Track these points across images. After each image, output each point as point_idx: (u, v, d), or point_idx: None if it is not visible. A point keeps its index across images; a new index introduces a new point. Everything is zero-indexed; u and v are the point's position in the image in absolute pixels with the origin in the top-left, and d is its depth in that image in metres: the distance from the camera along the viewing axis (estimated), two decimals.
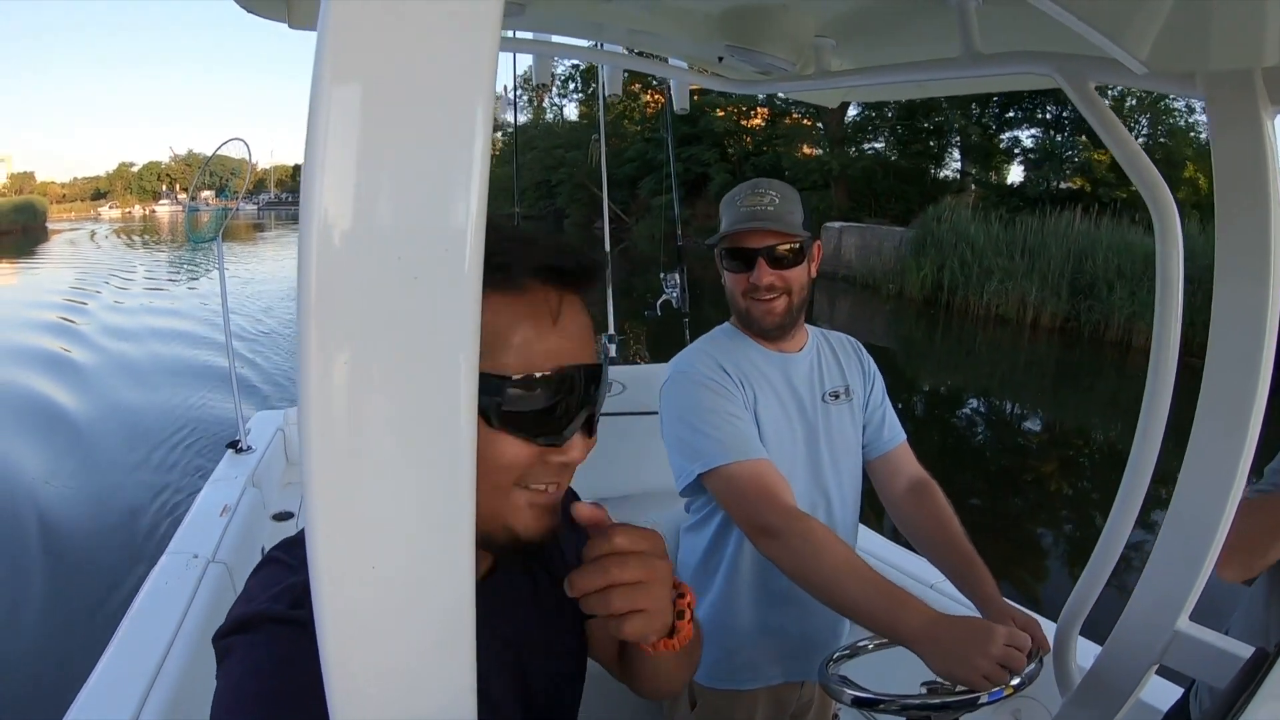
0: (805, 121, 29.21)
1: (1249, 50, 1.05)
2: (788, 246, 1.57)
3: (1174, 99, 19.14)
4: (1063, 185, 21.77)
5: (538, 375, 0.68)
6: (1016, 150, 24.46)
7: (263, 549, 2.86)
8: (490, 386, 0.65)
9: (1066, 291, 15.94)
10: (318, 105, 0.35)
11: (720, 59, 1.67)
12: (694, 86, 2.05)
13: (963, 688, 1.22)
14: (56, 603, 5.03)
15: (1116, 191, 19.85)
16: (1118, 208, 17.97)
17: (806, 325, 1.75)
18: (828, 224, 22.21)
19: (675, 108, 2.36)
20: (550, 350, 0.69)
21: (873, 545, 2.71)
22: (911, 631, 1.28)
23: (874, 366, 1.83)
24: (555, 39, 1.78)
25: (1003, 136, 24.88)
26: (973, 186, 24.39)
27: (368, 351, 0.38)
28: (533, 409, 0.68)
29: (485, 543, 0.70)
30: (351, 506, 0.40)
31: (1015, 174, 24.54)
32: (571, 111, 43.09)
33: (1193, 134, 20.76)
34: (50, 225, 56.53)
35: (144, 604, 2.18)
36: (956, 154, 26.59)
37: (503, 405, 0.66)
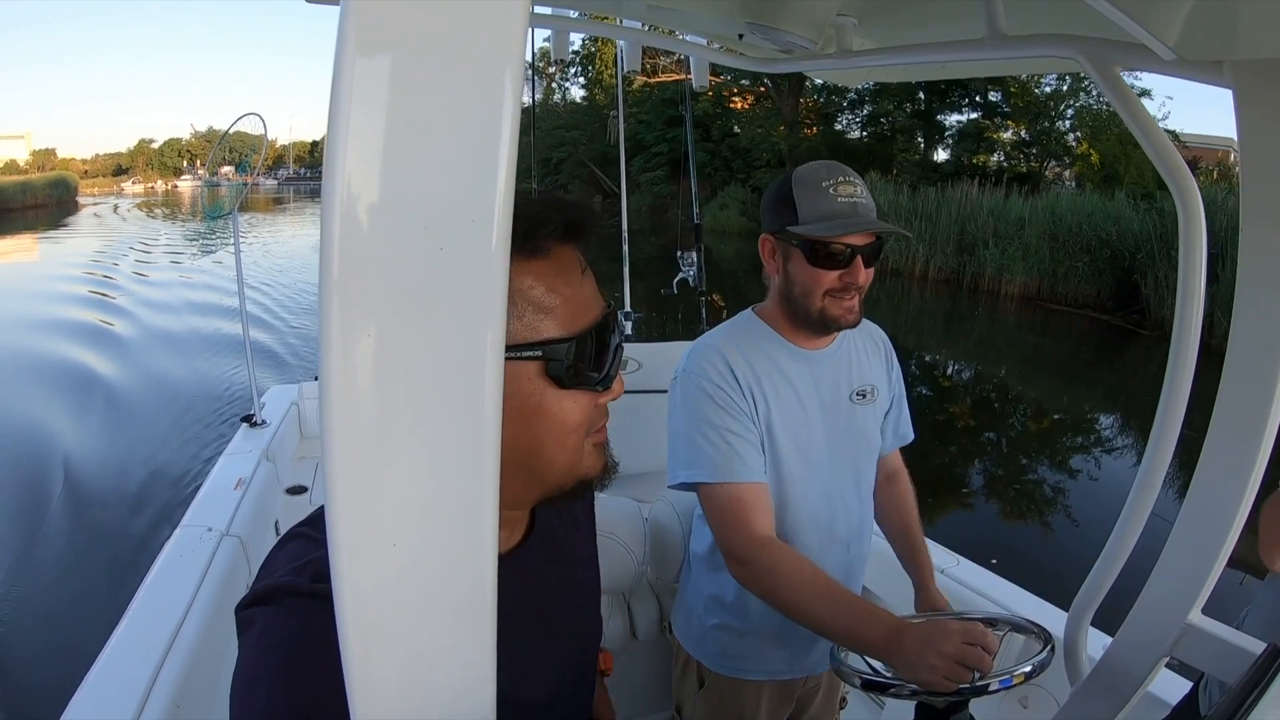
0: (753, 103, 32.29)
1: (1278, 39, 1.03)
2: (880, 243, 1.53)
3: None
4: (973, 161, 24.95)
5: (587, 326, 0.73)
6: (947, 132, 27.40)
7: (276, 523, 2.88)
8: (556, 352, 0.70)
9: (953, 249, 19.40)
10: (341, 75, 0.35)
11: (741, 36, 1.64)
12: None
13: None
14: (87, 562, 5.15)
15: (1019, 167, 24.03)
16: (1008, 179, 21.55)
17: None
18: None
19: (695, 85, 2.34)
20: (586, 300, 0.74)
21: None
22: (876, 642, 1.31)
23: (896, 361, 1.79)
24: (573, 14, 1.76)
25: (938, 119, 27.61)
26: (893, 163, 27.09)
27: (392, 324, 0.38)
28: (589, 360, 0.73)
29: (555, 493, 0.78)
30: (372, 484, 0.40)
31: (942, 154, 27.57)
32: (572, 94, 45.11)
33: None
34: (80, 199, 59.80)
35: (159, 576, 2.20)
36: (901, 136, 29.23)
37: (567, 365, 0.71)
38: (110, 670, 1.77)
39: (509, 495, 0.69)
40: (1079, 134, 23.74)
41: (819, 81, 27.24)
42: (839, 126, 30.97)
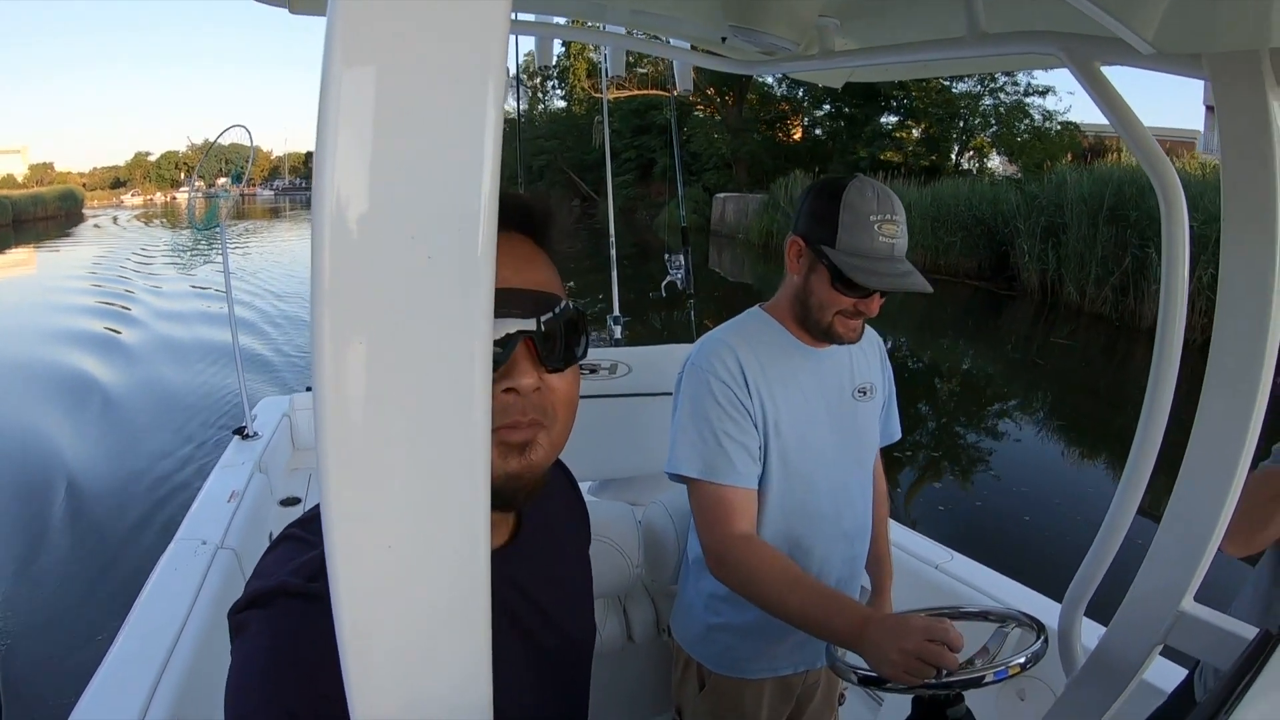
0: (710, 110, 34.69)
1: (1256, 31, 1.04)
2: None
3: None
4: (882, 157, 27.20)
5: None
6: (866, 132, 29.32)
7: (270, 535, 2.87)
8: None
9: None
10: (329, 87, 0.35)
11: (724, 39, 1.65)
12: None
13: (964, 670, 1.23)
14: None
15: (921, 161, 26.76)
16: (908, 172, 24.38)
17: None
18: (717, 195, 29.59)
19: (678, 89, 2.35)
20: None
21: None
22: (846, 633, 1.34)
23: (888, 360, 1.82)
24: (556, 20, 1.77)
25: (870, 122, 29.75)
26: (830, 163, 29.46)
27: (382, 333, 0.38)
28: None
29: None
30: (366, 489, 0.40)
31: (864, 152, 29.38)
32: (551, 105, 46.65)
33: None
34: (86, 212, 63.67)
35: (154, 591, 2.19)
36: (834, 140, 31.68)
37: None
38: (109, 685, 1.77)
39: None
40: (994, 130, 26.84)
41: (767, 87, 30.88)
42: (783, 132, 33.82)
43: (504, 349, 0.70)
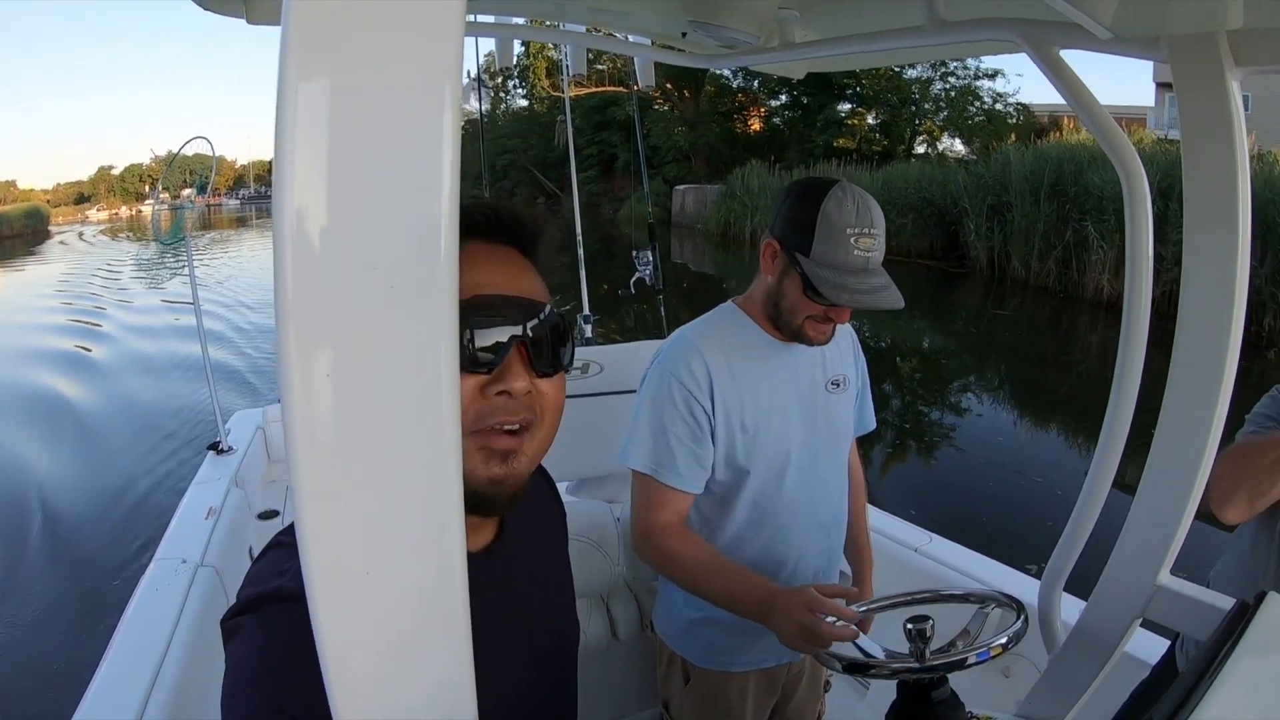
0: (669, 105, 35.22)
1: (1212, 13, 1.06)
2: None
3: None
4: (836, 144, 27.87)
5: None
6: (820, 120, 29.82)
7: (250, 549, 2.83)
8: None
9: None
10: (285, 99, 0.35)
11: (684, 34, 1.65)
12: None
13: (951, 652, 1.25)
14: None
15: (874, 147, 27.72)
16: (859, 158, 25.59)
17: None
18: (677, 186, 30.07)
19: (640, 84, 2.34)
20: (472, 283, 0.72)
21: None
22: (755, 610, 1.41)
23: (861, 353, 1.83)
24: (516, 20, 1.76)
25: (825, 110, 30.25)
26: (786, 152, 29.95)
27: (347, 359, 0.38)
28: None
29: None
30: (341, 513, 0.40)
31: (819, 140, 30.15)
32: (513, 105, 46.84)
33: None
34: (52, 228, 61.87)
35: (136, 613, 2.15)
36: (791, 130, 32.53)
37: None
38: (96, 709, 1.74)
39: None
40: (945, 114, 27.63)
41: (725, 80, 31.52)
42: (741, 123, 34.49)
43: (497, 354, 0.73)
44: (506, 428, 0.74)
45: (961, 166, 19.84)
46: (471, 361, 0.71)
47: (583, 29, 1.80)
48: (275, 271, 0.37)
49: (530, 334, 0.74)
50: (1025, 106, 26.09)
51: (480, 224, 0.77)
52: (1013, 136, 21.87)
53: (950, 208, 18.55)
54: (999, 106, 26.40)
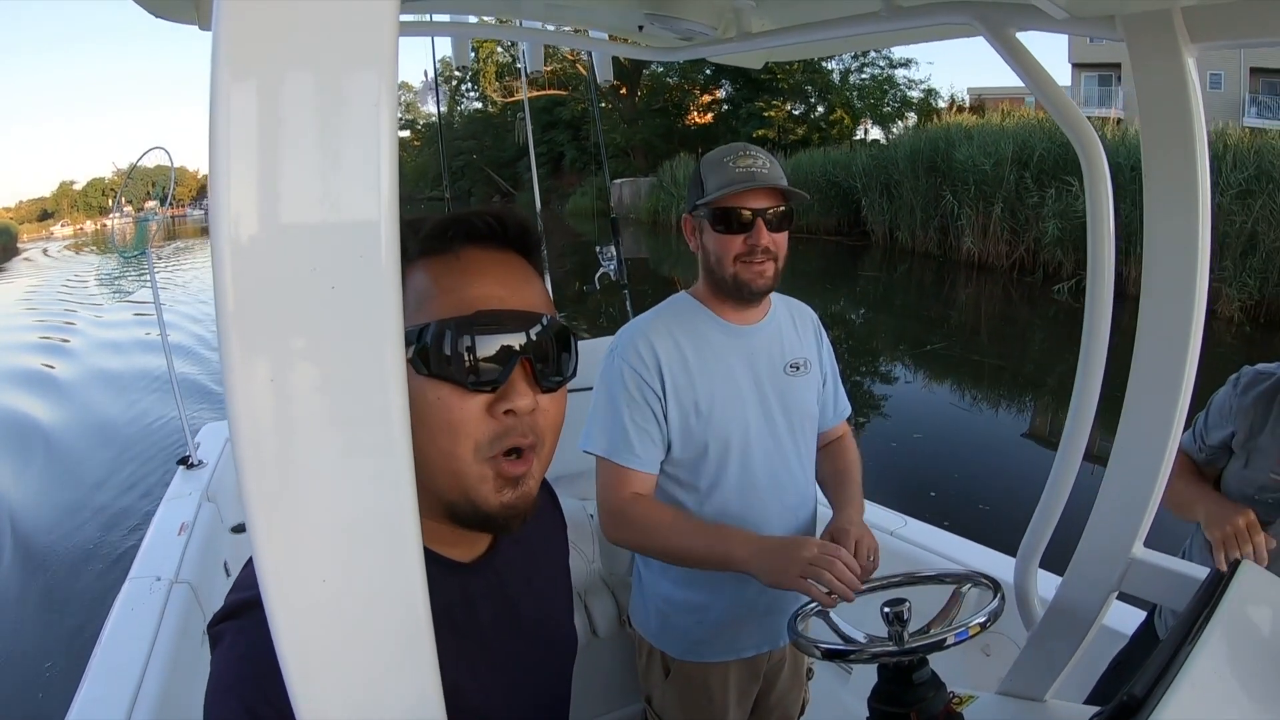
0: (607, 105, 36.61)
1: None
2: (784, 209, 1.58)
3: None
4: (756, 135, 29.52)
5: (455, 315, 0.71)
6: (742, 113, 32.58)
7: (225, 564, 2.79)
8: (412, 336, 0.70)
9: None
10: (218, 108, 0.35)
11: (640, 28, 1.64)
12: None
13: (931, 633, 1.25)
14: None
15: (791, 136, 30.08)
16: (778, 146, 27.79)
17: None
18: (615, 180, 30.61)
19: (598, 80, 2.33)
20: (472, 296, 0.73)
21: None
22: (742, 559, 1.47)
23: (826, 340, 1.84)
24: (471, 19, 1.74)
25: (745, 105, 33.03)
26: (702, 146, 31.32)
27: (291, 362, 0.38)
28: (450, 345, 0.70)
29: (457, 518, 0.74)
30: (293, 520, 0.41)
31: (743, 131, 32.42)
32: (467, 107, 48.13)
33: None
34: (20, 245, 61.22)
35: (113, 633, 2.12)
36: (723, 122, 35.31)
37: (419, 347, 0.70)
38: None
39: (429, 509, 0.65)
40: (861, 103, 30.46)
41: (660, 76, 33.36)
42: (676, 118, 36.75)
43: (503, 369, 0.72)
44: (517, 451, 0.74)
45: (862, 148, 22.69)
46: (475, 380, 0.71)
47: (539, 25, 1.79)
48: (214, 277, 0.36)
49: (533, 338, 0.74)
50: (933, 90, 29.92)
51: (483, 232, 0.77)
52: (910, 118, 24.42)
53: (853, 187, 21.14)
54: (911, 93, 29.89)
